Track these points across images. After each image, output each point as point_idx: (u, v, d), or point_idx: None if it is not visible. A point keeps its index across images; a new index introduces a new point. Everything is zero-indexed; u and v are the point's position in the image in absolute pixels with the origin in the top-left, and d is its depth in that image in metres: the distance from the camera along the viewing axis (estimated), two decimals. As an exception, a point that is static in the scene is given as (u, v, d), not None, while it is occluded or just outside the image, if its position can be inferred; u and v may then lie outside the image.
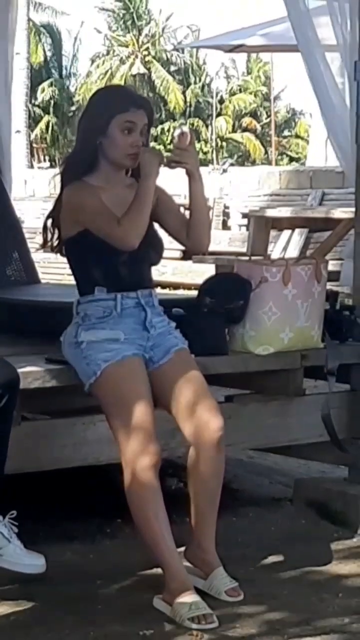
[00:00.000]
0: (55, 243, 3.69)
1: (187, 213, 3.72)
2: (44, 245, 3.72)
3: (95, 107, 3.69)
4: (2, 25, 5.69)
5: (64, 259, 3.75)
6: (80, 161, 3.64)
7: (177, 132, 3.66)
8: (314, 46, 4.64)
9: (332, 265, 4.57)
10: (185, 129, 3.67)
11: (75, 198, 3.59)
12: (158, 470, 3.42)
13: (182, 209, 3.80)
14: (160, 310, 3.67)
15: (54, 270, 11.15)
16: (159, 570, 3.47)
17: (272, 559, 3.87)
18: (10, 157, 5.80)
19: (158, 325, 3.63)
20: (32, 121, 36.17)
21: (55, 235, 3.68)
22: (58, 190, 3.71)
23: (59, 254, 3.73)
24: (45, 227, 3.69)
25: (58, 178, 3.72)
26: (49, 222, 3.68)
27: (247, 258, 3.91)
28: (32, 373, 3.65)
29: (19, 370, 3.47)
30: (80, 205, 3.57)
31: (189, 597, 3.33)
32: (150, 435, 3.41)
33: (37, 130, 38.48)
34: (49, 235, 3.68)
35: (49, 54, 42.99)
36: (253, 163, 35.90)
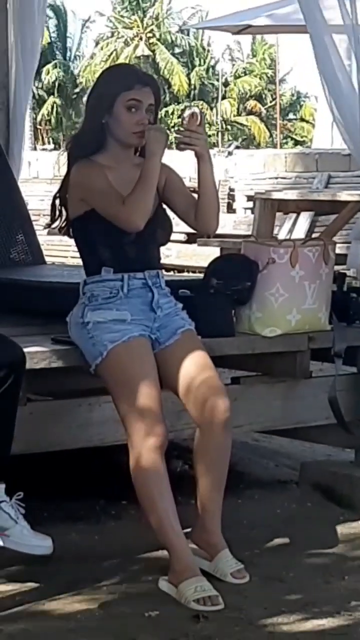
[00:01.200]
0: (63, 224, 3.68)
1: (195, 195, 3.70)
2: (51, 224, 3.70)
3: (101, 86, 3.67)
4: (27, 11, 5.70)
5: (68, 241, 3.74)
6: (87, 140, 3.62)
7: (187, 113, 3.63)
8: (321, 27, 4.60)
9: (338, 249, 4.54)
10: (196, 109, 3.64)
11: (82, 177, 3.57)
12: (164, 452, 3.41)
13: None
14: (168, 291, 3.65)
15: (57, 252, 11.15)
16: (164, 552, 3.46)
17: (277, 541, 3.87)
18: (22, 141, 5.80)
19: (165, 307, 3.61)
20: (36, 103, 36.13)
21: (63, 216, 3.66)
22: (63, 171, 3.69)
23: (66, 236, 3.71)
24: (53, 206, 3.67)
25: (64, 157, 3.70)
26: (57, 201, 3.66)
27: (253, 239, 3.87)
28: (38, 353, 3.64)
29: (25, 351, 3.45)
30: (86, 184, 3.55)
31: (195, 579, 3.32)
32: (157, 417, 3.39)
33: (43, 111, 38.38)
34: (57, 214, 3.66)
35: (53, 35, 42.91)
36: (258, 146, 35.82)
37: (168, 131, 3.74)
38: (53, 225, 3.72)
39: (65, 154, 3.69)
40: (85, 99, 3.90)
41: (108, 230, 3.54)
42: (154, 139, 3.54)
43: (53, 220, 3.68)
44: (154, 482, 3.38)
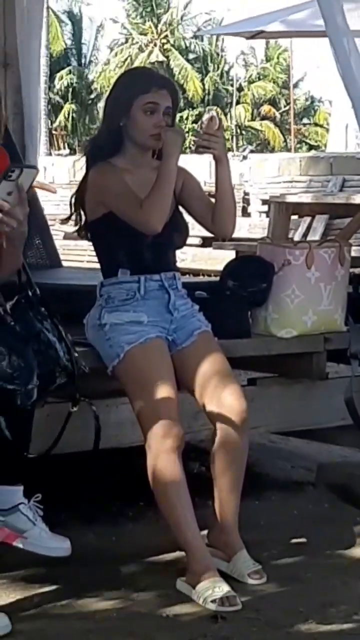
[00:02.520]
0: (81, 227, 3.69)
1: (212, 199, 3.71)
2: (67, 220, 3.71)
3: (118, 90, 3.69)
4: (36, 15, 5.72)
5: (84, 245, 3.77)
6: (105, 143, 3.64)
7: (206, 117, 3.64)
8: (342, 31, 4.61)
9: (354, 251, 4.55)
10: (214, 113, 3.66)
11: (100, 179, 3.58)
12: (181, 453, 3.42)
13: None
14: (184, 293, 3.66)
15: (73, 257, 11.17)
16: (181, 553, 3.47)
17: (294, 542, 3.87)
18: (37, 145, 5.83)
19: (181, 308, 3.62)
20: (52, 109, 36.21)
21: (80, 219, 3.67)
22: (79, 176, 3.70)
23: (84, 240, 3.71)
24: (71, 207, 3.69)
25: (81, 161, 3.72)
26: (73, 201, 3.67)
27: (269, 240, 3.88)
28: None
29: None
30: (104, 187, 3.57)
31: (212, 580, 3.32)
32: (174, 418, 3.40)
33: (60, 118, 38.43)
34: (74, 216, 3.67)
35: (68, 42, 43.02)
36: (272, 151, 35.79)
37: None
38: (71, 225, 3.73)
39: (83, 158, 3.70)
40: (102, 103, 3.93)
41: (125, 232, 3.55)
42: (170, 141, 3.55)
43: (69, 218, 3.69)
44: (171, 483, 3.39)
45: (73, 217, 3.70)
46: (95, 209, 3.60)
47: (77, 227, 3.72)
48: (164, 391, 3.42)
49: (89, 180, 3.62)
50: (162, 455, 3.38)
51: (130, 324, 3.53)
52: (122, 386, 3.56)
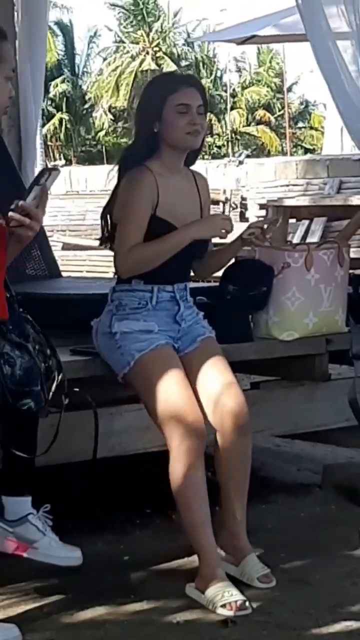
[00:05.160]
0: (104, 235, 3.69)
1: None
2: (101, 243, 3.73)
3: (146, 97, 3.67)
4: (35, 25, 5.74)
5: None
6: (140, 150, 3.61)
7: (274, 220, 3.69)
8: (324, 34, 4.63)
9: (353, 252, 4.55)
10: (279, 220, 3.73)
11: (130, 185, 3.55)
12: (203, 453, 3.41)
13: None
14: (191, 301, 3.68)
15: (73, 267, 11.18)
16: (189, 559, 3.47)
17: (303, 544, 3.86)
18: (34, 156, 5.84)
19: (187, 318, 3.65)
20: (46, 119, 36.21)
21: (107, 228, 3.67)
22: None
23: (107, 249, 3.69)
24: (102, 221, 3.69)
25: (114, 172, 3.69)
26: (106, 217, 3.66)
27: (268, 244, 3.89)
28: (58, 365, 3.64)
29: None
30: (131, 192, 3.53)
31: (222, 585, 3.32)
32: (194, 418, 3.39)
33: (49, 126, 38.39)
34: (105, 230, 3.67)
35: (61, 53, 43.06)
36: (268, 155, 35.81)
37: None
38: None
39: (116, 167, 3.67)
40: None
41: (146, 241, 3.55)
42: (210, 229, 3.58)
43: (102, 239, 3.70)
44: (190, 486, 3.38)
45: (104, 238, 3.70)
46: (119, 214, 3.59)
47: (100, 237, 3.71)
48: (180, 392, 3.42)
49: (122, 184, 3.58)
50: (182, 457, 3.38)
51: (140, 333, 3.53)
52: (137, 392, 3.56)
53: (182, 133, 3.56)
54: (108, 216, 3.66)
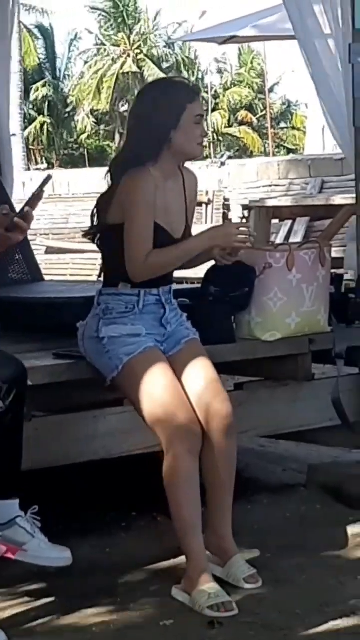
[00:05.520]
0: (91, 227, 3.68)
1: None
2: (85, 235, 3.73)
3: (163, 100, 3.62)
4: (2, 26, 5.71)
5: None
6: (145, 151, 3.59)
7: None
8: (312, 32, 4.64)
9: (335, 252, 4.56)
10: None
11: (134, 186, 3.54)
12: (198, 453, 3.42)
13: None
14: (175, 304, 3.68)
15: (56, 270, 11.16)
16: (176, 561, 3.47)
17: (288, 544, 3.86)
18: (11, 159, 5.82)
19: (172, 321, 3.65)
20: (28, 123, 36.17)
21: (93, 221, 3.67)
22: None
23: (92, 242, 3.70)
24: (93, 215, 3.68)
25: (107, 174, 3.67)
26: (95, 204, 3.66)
27: (249, 244, 3.88)
28: (41, 369, 3.65)
29: (28, 367, 3.45)
30: (133, 196, 3.53)
31: (208, 586, 3.32)
32: (186, 418, 3.40)
33: (30, 129, 38.32)
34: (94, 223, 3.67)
35: (42, 57, 43.01)
36: (251, 156, 35.85)
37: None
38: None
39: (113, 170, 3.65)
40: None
41: None
42: (224, 236, 3.64)
43: (89, 231, 3.70)
44: (182, 487, 3.39)
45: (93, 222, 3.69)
46: (117, 215, 3.57)
47: (87, 230, 3.70)
48: (171, 392, 3.43)
49: (124, 183, 3.55)
50: (175, 458, 3.38)
51: (128, 337, 3.54)
52: (126, 396, 3.57)
53: (195, 143, 3.61)
54: (98, 213, 3.64)
